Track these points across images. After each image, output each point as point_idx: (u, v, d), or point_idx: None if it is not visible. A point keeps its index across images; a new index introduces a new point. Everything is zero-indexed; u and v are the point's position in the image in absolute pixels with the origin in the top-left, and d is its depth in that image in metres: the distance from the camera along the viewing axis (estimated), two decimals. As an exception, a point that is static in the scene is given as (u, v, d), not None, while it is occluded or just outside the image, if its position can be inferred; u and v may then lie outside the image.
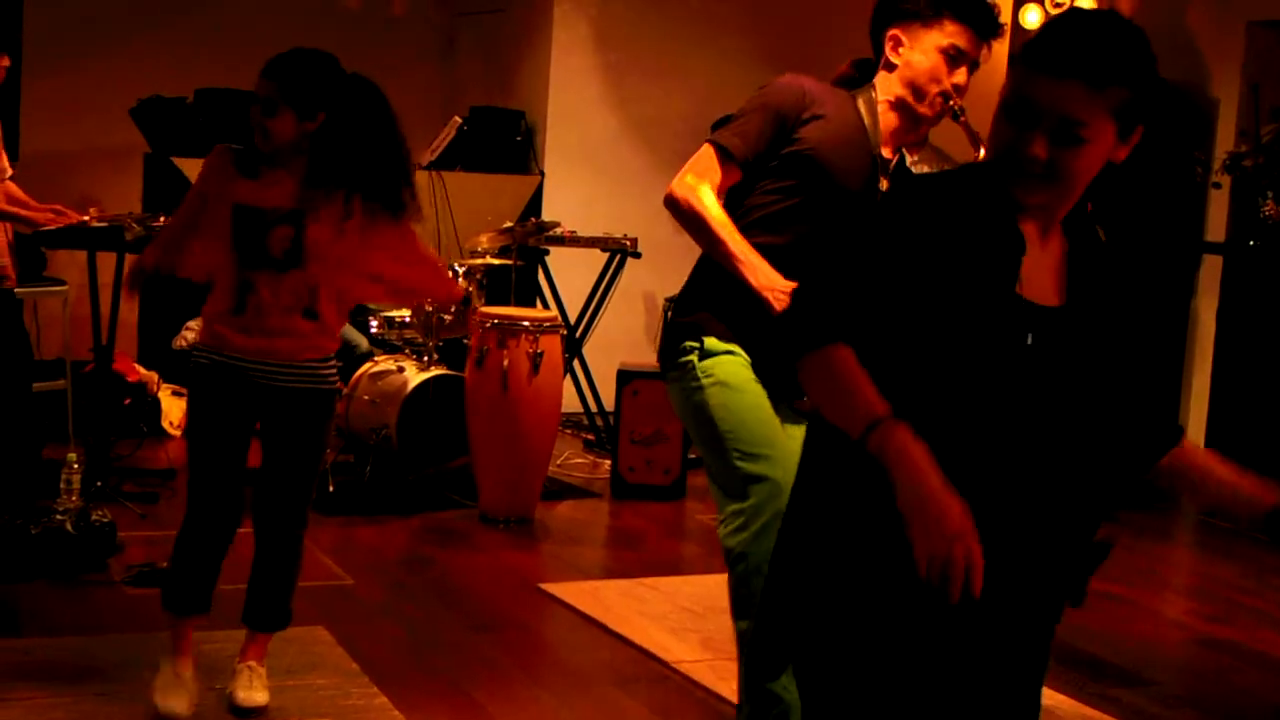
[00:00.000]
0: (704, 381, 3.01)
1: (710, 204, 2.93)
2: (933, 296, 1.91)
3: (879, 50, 3.01)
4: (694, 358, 3.04)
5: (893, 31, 2.96)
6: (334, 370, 3.64)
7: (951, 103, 2.96)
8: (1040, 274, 1.97)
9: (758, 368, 3.01)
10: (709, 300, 3.07)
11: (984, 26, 2.94)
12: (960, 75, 2.95)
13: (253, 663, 3.63)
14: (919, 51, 2.93)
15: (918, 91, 2.95)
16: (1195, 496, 2.17)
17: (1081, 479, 2.01)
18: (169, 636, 3.61)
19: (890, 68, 2.98)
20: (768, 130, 2.92)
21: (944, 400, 1.91)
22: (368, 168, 3.46)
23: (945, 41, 2.91)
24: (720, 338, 3.03)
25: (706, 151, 2.97)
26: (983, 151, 3.01)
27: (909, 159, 3.12)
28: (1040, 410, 1.95)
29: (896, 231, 1.95)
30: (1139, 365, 2.05)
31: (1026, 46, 1.93)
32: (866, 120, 2.95)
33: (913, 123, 3.01)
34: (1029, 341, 1.93)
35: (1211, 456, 2.12)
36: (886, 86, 2.99)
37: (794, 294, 2.06)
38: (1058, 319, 1.97)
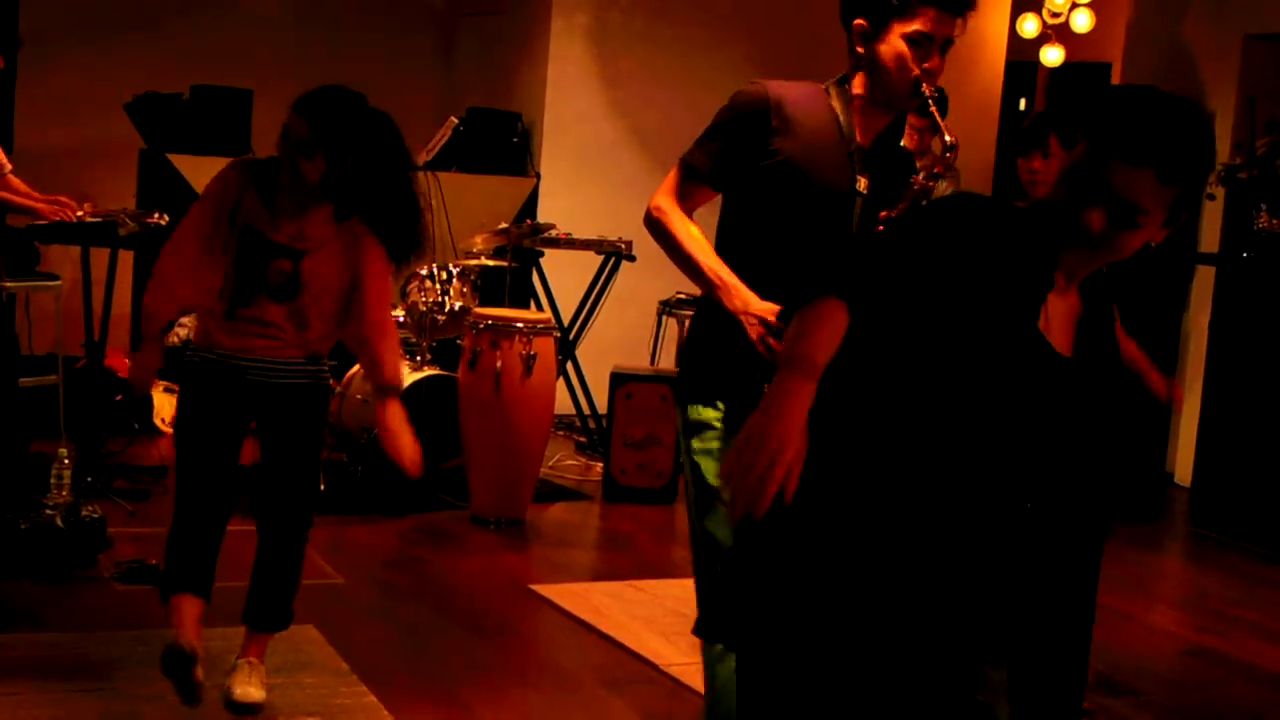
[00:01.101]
0: (694, 458, 2.97)
1: (680, 226, 2.86)
2: (955, 314, 1.94)
3: (850, 41, 2.88)
4: (690, 439, 2.96)
5: (857, 21, 2.83)
6: (326, 367, 3.64)
7: (924, 89, 2.79)
8: (1058, 323, 2.01)
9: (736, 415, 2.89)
10: (697, 344, 2.99)
11: (952, 4, 2.77)
12: (932, 60, 2.79)
13: (252, 659, 3.64)
14: (884, 41, 2.79)
15: (886, 83, 2.81)
16: None
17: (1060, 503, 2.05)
18: (172, 624, 3.60)
19: (858, 59, 2.85)
20: (736, 146, 2.83)
21: (946, 419, 1.94)
22: (386, 211, 3.50)
23: (910, 28, 2.76)
24: (701, 400, 2.93)
25: (677, 171, 2.92)
26: (948, 137, 2.92)
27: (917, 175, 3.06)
28: (1044, 443, 1.98)
29: (937, 240, 1.96)
30: (1106, 441, 2.08)
31: (1106, 126, 1.93)
32: (841, 116, 2.84)
33: (887, 111, 2.89)
34: (1046, 382, 1.97)
35: None
36: (858, 79, 2.87)
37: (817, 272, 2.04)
38: (1066, 369, 2.00)
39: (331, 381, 3.70)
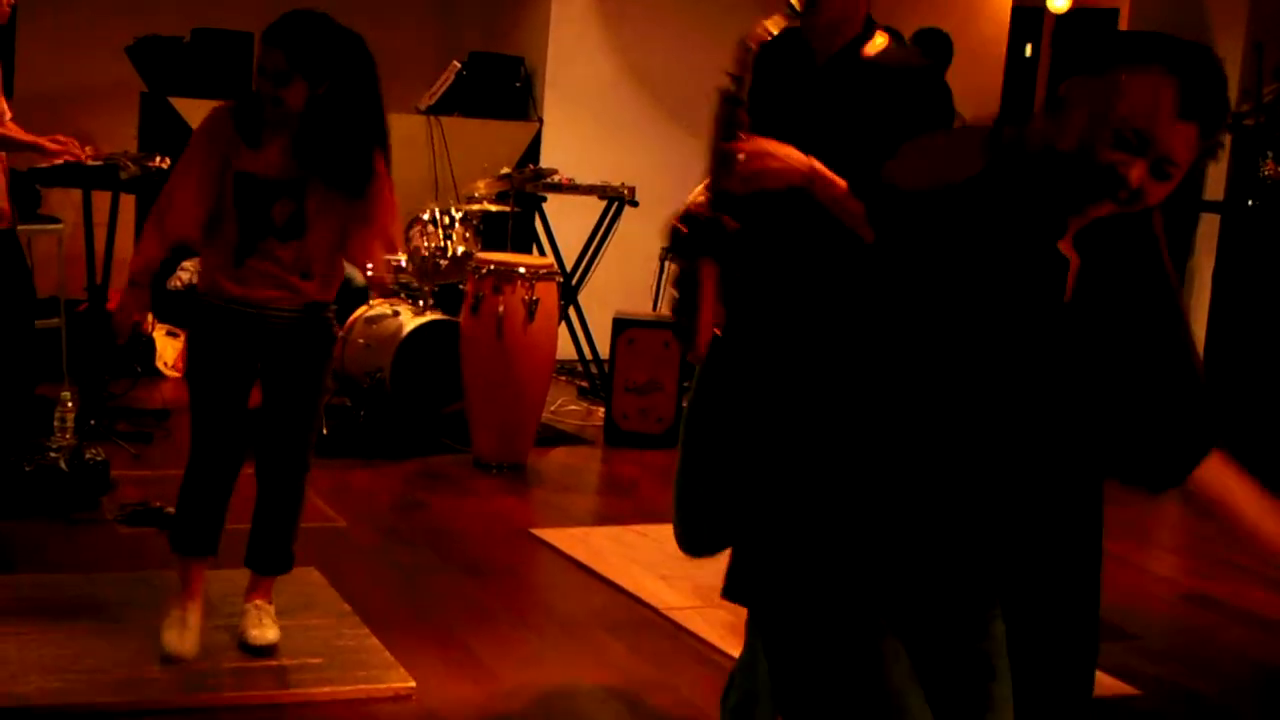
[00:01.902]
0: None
1: None
2: (968, 260, 1.93)
3: None
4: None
5: None
6: (332, 314, 3.65)
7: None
8: None
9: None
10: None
11: None
12: None
13: (260, 601, 3.67)
14: None
15: None
16: (1221, 523, 2.16)
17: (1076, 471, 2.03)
18: (177, 578, 3.64)
19: None
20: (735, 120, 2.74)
21: (956, 365, 1.93)
22: (360, 134, 3.46)
23: None
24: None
25: None
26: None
27: None
28: (1044, 391, 1.97)
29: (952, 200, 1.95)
30: (1144, 369, 2.04)
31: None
32: (787, 43, 2.75)
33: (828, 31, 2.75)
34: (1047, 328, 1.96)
35: (1235, 479, 2.09)
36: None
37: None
38: (1065, 314, 1.98)
39: (335, 327, 3.70)
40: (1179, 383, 2.04)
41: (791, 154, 2.56)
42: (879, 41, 2.70)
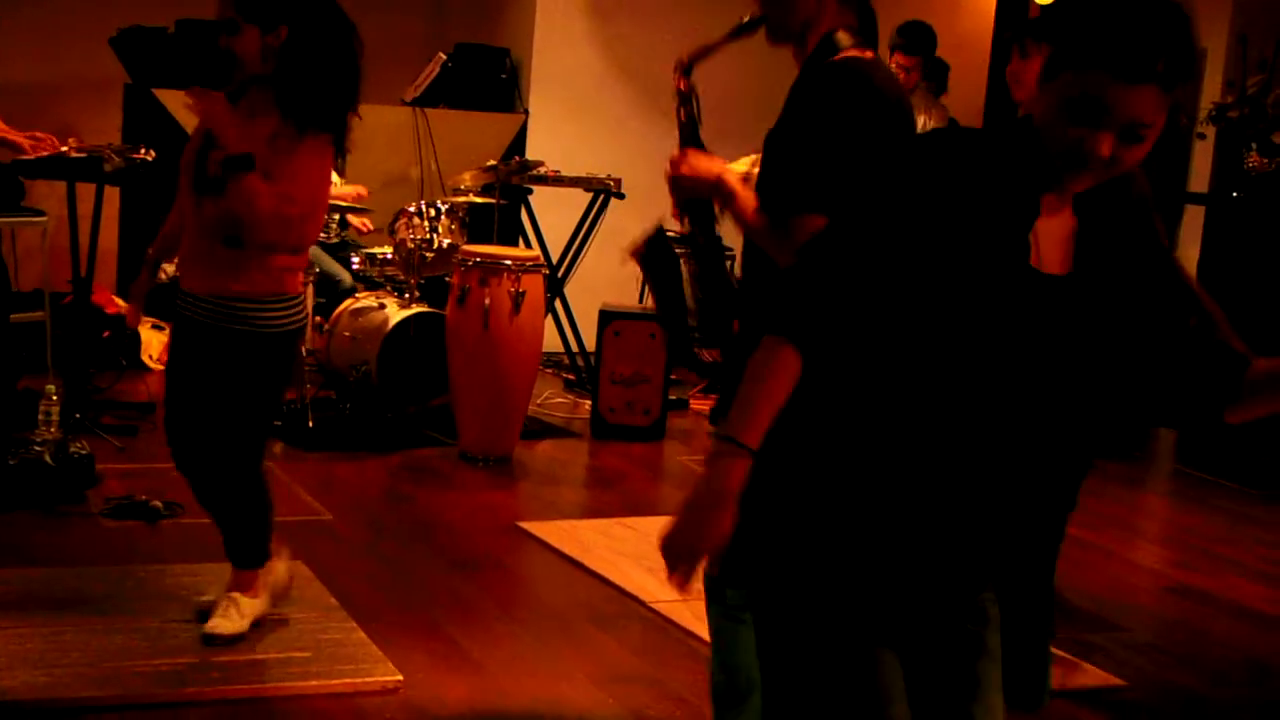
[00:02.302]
0: None
1: None
2: (942, 262, 1.91)
3: None
4: None
5: None
6: (265, 314, 3.44)
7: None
8: (1049, 242, 1.97)
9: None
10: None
11: None
12: None
13: (234, 594, 3.65)
14: None
15: None
16: None
17: (1073, 434, 2.03)
18: None
19: None
20: None
21: (940, 360, 1.92)
22: (332, 83, 3.37)
23: None
24: None
25: None
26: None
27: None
28: (1042, 374, 1.97)
29: (913, 190, 1.93)
30: (1159, 323, 2.04)
31: (1095, 44, 1.85)
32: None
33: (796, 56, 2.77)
34: (1038, 310, 1.94)
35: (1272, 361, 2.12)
36: None
37: (794, 265, 2.01)
38: (1063, 287, 1.98)
39: (269, 328, 3.47)
40: (1196, 322, 2.06)
41: (706, 167, 2.58)
42: (848, 49, 2.65)
